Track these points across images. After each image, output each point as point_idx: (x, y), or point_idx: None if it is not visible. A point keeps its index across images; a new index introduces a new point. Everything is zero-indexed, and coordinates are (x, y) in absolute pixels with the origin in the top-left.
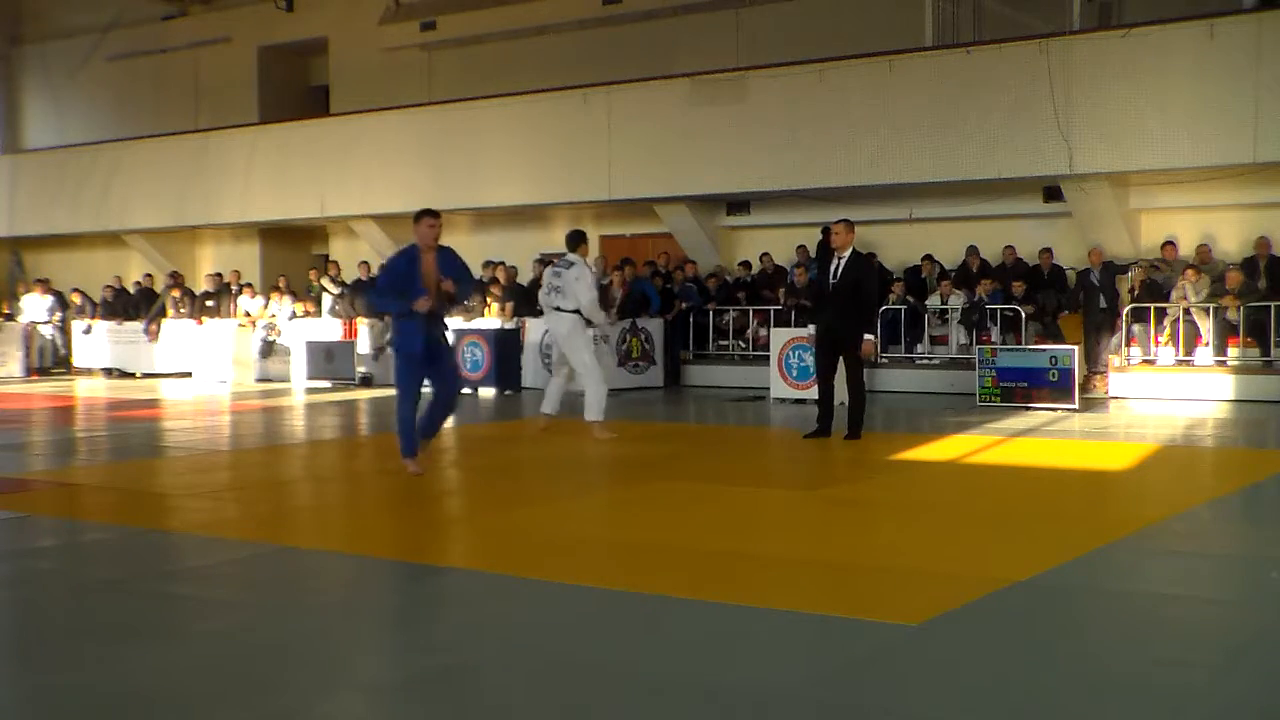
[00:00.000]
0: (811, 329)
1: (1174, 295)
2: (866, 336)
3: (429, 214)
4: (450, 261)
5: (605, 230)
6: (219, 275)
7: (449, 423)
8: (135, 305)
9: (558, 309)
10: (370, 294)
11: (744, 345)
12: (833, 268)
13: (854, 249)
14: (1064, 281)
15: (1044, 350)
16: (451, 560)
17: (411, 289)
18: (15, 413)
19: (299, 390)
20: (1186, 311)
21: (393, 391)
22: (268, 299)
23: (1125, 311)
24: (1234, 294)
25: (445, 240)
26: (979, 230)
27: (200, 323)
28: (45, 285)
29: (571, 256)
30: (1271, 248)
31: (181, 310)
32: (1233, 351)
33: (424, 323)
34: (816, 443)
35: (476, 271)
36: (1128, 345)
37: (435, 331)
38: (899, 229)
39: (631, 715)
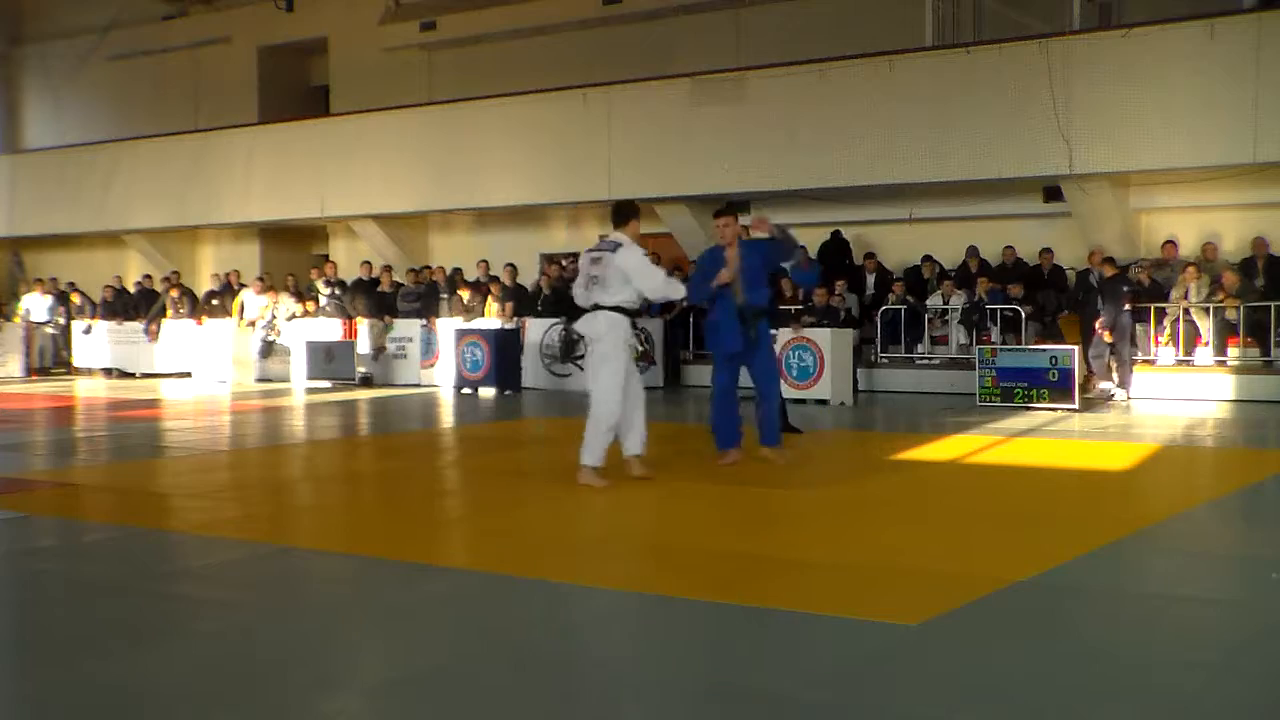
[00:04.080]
0: None
1: (1174, 295)
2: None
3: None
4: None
5: (605, 230)
6: (219, 275)
7: (450, 421)
8: (135, 305)
9: (597, 306)
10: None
11: None
12: None
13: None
14: (1064, 281)
15: (1044, 350)
16: (451, 560)
17: None
18: (15, 413)
19: (299, 390)
20: (1186, 311)
21: (390, 391)
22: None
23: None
24: (1231, 295)
25: (442, 241)
26: (979, 230)
27: (200, 323)
28: (53, 284)
29: (617, 235)
30: (1269, 248)
31: (181, 310)
32: (1233, 351)
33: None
34: (816, 443)
35: (472, 271)
36: None
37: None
38: (899, 229)
39: (631, 715)
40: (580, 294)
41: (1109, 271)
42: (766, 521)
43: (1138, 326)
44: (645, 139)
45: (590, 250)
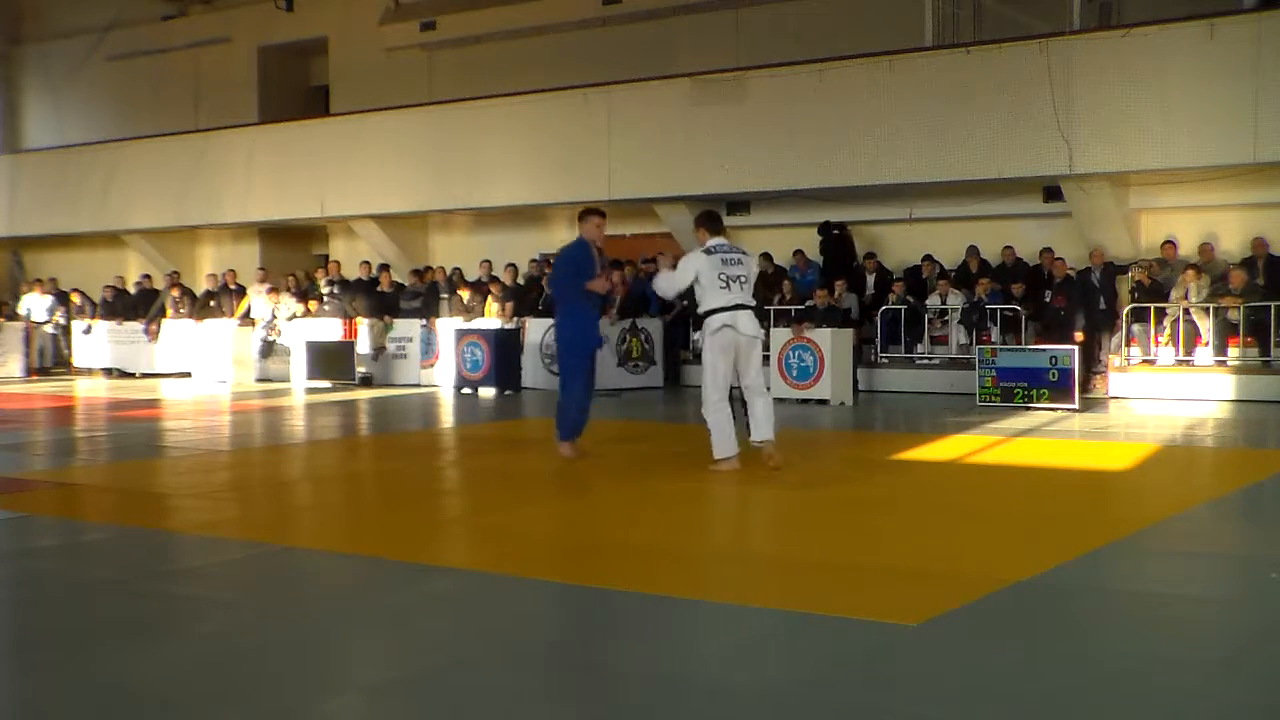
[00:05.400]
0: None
1: (1174, 295)
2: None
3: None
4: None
5: (605, 230)
6: (215, 276)
7: (450, 421)
8: (135, 305)
9: (742, 305)
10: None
11: None
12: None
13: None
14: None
15: (1044, 350)
16: (451, 560)
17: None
18: (15, 413)
19: (299, 390)
20: (1186, 311)
21: (390, 391)
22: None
23: (1125, 311)
24: (1237, 294)
25: (442, 241)
26: (979, 230)
27: (199, 322)
28: (53, 284)
29: (724, 240)
30: (1269, 248)
31: (181, 310)
32: (1233, 351)
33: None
34: (816, 442)
35: (474, 270)
36: (1128, 345)
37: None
38: (899, 229)
39: (631, 715)
40: (720, 293)
41: (1060, 272)
42: (766, 521)
43: (1136, 327)
44: (645, 139)
45: (719, 251)
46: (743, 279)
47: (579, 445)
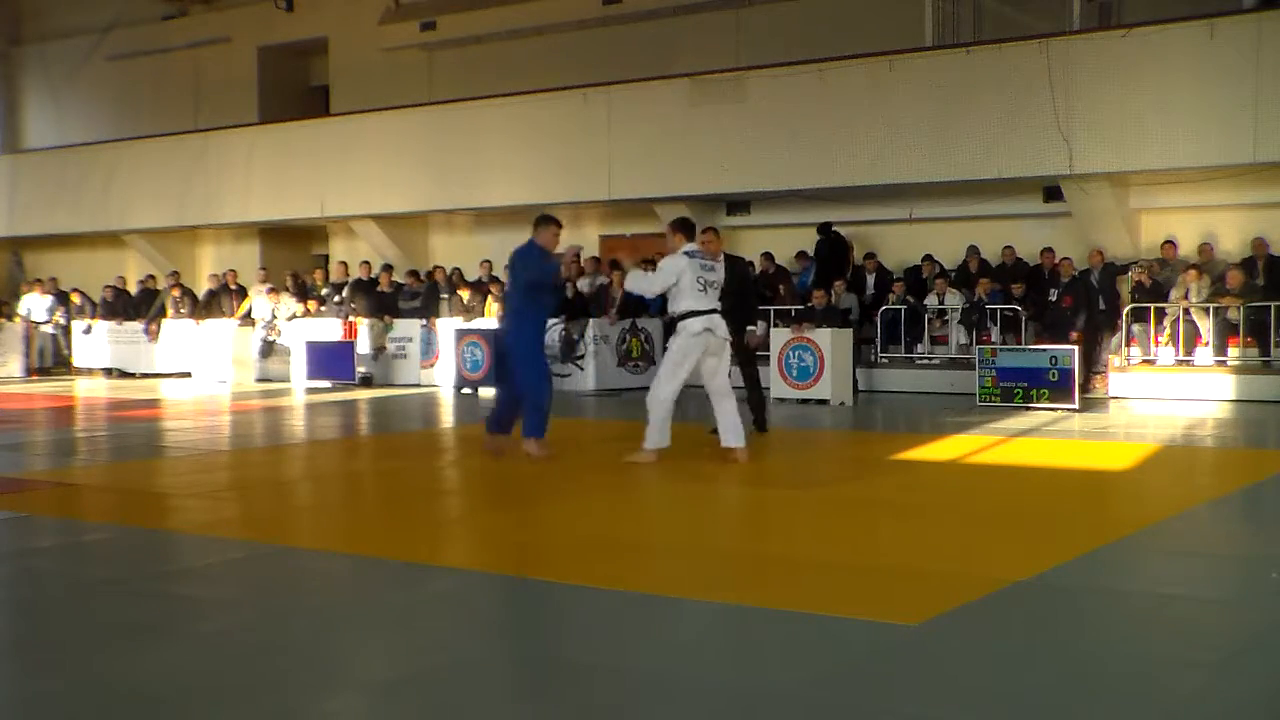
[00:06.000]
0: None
1: (1174, 295)
2: (749, 327)
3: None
4: None
5: (605, 230)
6: (217, 276)
7: (450, 421)
8: (136, 306)
9: (716, 310)
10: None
11: None
12: None
13: (725, 253)
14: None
15: (1044, 350)
16: (451, 560)
17: None
18: (15, 413)
19: (299, 390)
20: (1186, 311)
21: (390, 391)
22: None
23: (1125, 311)
24: (1235, 294)
25: (442, 241)
26: (979, 230)
27: (199, 322)
28: (53, 284)
29: (699, 248)
30: (1269, 248)
31: (181, 310)
32: (1233, 351)
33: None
34: (816, 442)
35: (474, 270)
36: (1128, 345)
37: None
38: (899, 229)
39: (631, 715)
40: (698, 296)
41: (1066, 271)
42: (766, 521)
43: (1136, 327)
44: (645, 139)
45: (697, 257)
46: (715, 284)
47: (547, 442)
